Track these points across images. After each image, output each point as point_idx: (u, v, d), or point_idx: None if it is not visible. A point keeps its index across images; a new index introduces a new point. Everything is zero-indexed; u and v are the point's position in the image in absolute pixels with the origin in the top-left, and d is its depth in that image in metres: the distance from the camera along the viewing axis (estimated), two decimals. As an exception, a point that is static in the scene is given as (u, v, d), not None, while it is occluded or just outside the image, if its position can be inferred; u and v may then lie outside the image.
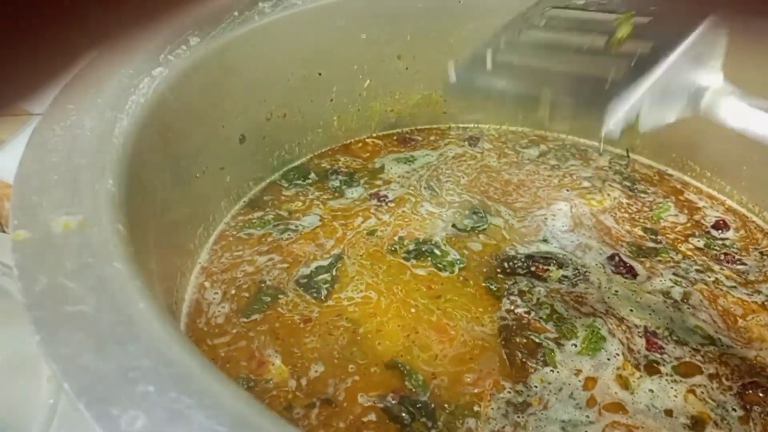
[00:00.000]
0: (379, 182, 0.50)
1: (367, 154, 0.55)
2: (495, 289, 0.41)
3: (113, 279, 0.21)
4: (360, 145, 0.56)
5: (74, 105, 0.30)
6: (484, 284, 0.42)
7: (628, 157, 0.56)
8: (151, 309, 0.20)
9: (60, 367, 0.18)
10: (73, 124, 0.28)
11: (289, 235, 0.44)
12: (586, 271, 0.43)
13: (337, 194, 0.49)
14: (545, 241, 0.46)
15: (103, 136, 0.28)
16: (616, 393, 0.35)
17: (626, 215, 0.49)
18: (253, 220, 0.46)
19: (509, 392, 0.35)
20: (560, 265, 0.43)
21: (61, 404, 0.44)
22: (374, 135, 0.57)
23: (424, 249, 0.44)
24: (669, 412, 0.34)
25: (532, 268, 0.43)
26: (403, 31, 0.52)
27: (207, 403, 0.17)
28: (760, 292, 0.43)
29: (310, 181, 0.50)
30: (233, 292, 0.40)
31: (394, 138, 0.57)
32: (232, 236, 0.44)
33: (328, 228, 0.45)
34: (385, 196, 0.49)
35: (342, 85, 0.52)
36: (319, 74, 0.50)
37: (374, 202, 0.48)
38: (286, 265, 0.42)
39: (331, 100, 0.52)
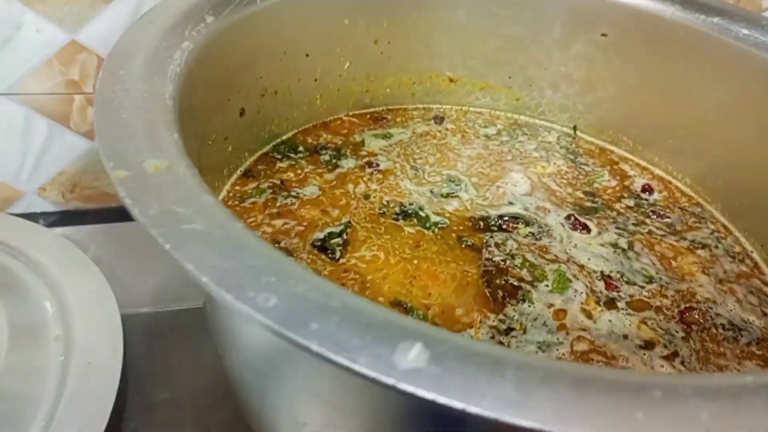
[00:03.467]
0: (364, 153, 0.56)
1: (345, 131, 0.60)
2: (474, 242, 0.47)
3: (210, 206, 0.25)
4: (338, 122, 0.61)
5: (125, 71, 0.33)
6: (464, 239, 0.48)
7: (575, 134, 0.64)
8: (247, 228, 0.25)
9: (194, 266, 0.22)
10: (131, 87, 0.32)
11: (292, 201, 0.49)
12: (549, 229, 0.50)
13: (330, 167, 0.54)
14: (511, 203, 0.53)
15: (158, 97, 0.32)
16: (582, 321, 0.42)
17: (565, 180, 0.57)
18: (250, 190, 0.50)
19: (494, 321, 0.41)
20: (527, 223, 0.50)
21: (73, 360, 0.47)
22: (350, 114, 0.62)
23: (409, 211, 0.50)
24: (625, 337, 0.42)
25: (504, 226, 0.50)
26: (381, 19, 0.57)
27: (317, 290, 0.22)
28: (685, 239, 0.51)
29: (300, 155, 0.55)
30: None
31: (368, 117, 0.63)
32: (236, 207, 0.48)
33: (329, 196, 0.50)
34: (377, 164, 0.54)
35: (325, 66, 0.57)
36: (307, 55, 0.54)
37: (368, 170, 0.53)
38: (301, 229, 0.46)
39: (316, 80, 0.57)
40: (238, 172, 0.52)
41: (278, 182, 0.51)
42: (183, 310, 0.56)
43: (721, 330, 0.43)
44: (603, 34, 0.58)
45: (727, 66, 0.52)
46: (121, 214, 0.74)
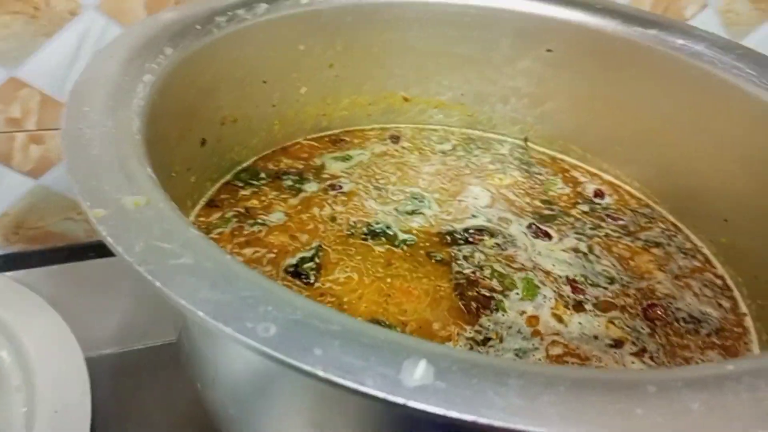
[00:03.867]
0: (326, 176, 0.56)
1: (306, 155, 0.60)
2: (443, 257, 0.48)
3: (196, 239, 0.25)
4: (297, 147, 0.61)
5: (89, 107, 0.33)
6: (433, 254, 0.49)
7: (526, 145, 0.66)
8: (238, 261, 0.25)
9: (187, 301, 0.22)
10: (97, 123, 0.31)
11: (259, 228, 0.49)
12: (513, 238, 0.52)
13: (294, 192, 0.53)
14: (474, 216, 0.54)
15: (126, 132, 0.32)
16: (554, 326, 0.44)
17: (522, 191, 0.59)
18: (215, 221, 0.50)
19: (471, 333, 0.42)
20: (491, 234, 0.52)
21: (38, 409, 0.45)
22: (308, 138, 0.62)
23: (376, 230, 0.50)
24: (596, 337, 0.43)
25: (470, 239, 0.51)
26: (335, 42, 0.58)
27: (315, 315, 0.22)
28: (639, 239, 0.54)
29: (263, 181, 0.55)
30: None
31: (326, 140, 0.63)
32: (202, 234, 0.48)
33: (296, 221, 0.50)
34: (340, 186, 0.54)
35: (283, 92, 0.57)
36: (264, 82, 0.54)
37: (332, 192, 0.54)
38: (273, 256, 0.46)
39: (273, 105, 0.57)
40: (202, 203, 0.51)
41: (243, 210, 0.51)
42: (149, 348, 0.55)
43: (682, 323, 0.46)
44: (548, 50, 0.61)
45: (666, 75, 0.55)
46: (69, 254, 0.72)
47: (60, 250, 0.73)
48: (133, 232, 0.25)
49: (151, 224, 0.25)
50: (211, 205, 0.51)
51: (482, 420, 0.19)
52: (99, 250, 0.73)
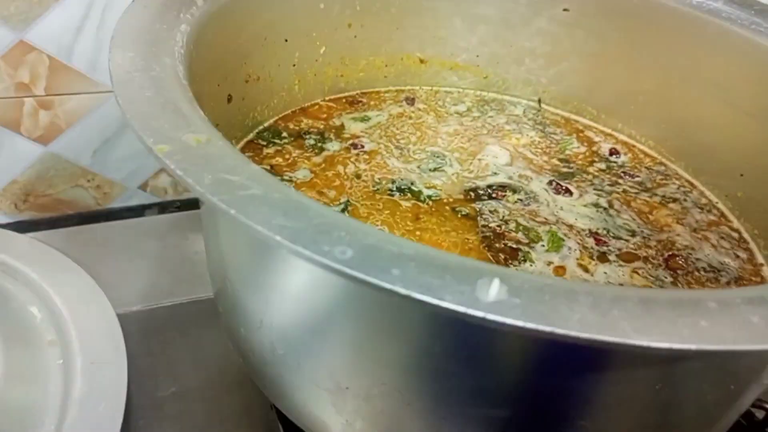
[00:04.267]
0: (347, 136, 0.57)
1: (324, 115, 0.60)
2: (469, 212, 0.49)
3: (260, 174, 0.26)
4: (316, 107, 0.61)
5: (133, 53, 0.33)
6: (459, 209, 0.49)
7: (540, 106, 0.67)
8: (303, 194, 0.25)
9: (264, 227, 0.22)
10: (146, 68, 0.32)
11: (287, 184, 0.49)
12: (535, 195, 0.53)
13: (317, 150, 0.54)
14: (495, 174, 0.55)
15: (173, 77, 0.32)
16: (580, 275, 0.45)
17: (539, 149, 0.60)
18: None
19: (502, 282, 0.43)
20: (514, 191, 0.52)
21: (74, 362, 0.46)
22: (327, 99, 0.62)
23: (402, 186, 0.51)
24: (621, 285, 0.44)
25: (493, 195, 0.52)
26: (354, 1, 0.58)
27: (388, 241, 0.23)
28: (656, 194, 0.55)
29: (286, 141, 0.55)
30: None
31: (344, 101, 0.63)
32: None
33: (322, 178, 0.50)
34: (362, 146, 0.55)
35: (303, 52, 0.57)
36: (286, 41, 0.54)
37: (354, 151, 0.54)
38: None
39: (294, 65, 0.57)
40: (227, 160, 0.51)
41: (268, 168, 0.51)
42: (176, 305, 0.55)
43: (703, 273, 0.47)
44: (565, 9, 0.61)
45: (683, 32, 0.56)
46: (80, 222, 0.72)
47: (70, 218, 0.73)
48: (200, 165, 0.25)
49: (215, 159, 0.26)
50: (236, 163, 0.52)
51: (559, 330, 0.20)
52: (110, 216, 0.73)
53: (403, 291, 0.21)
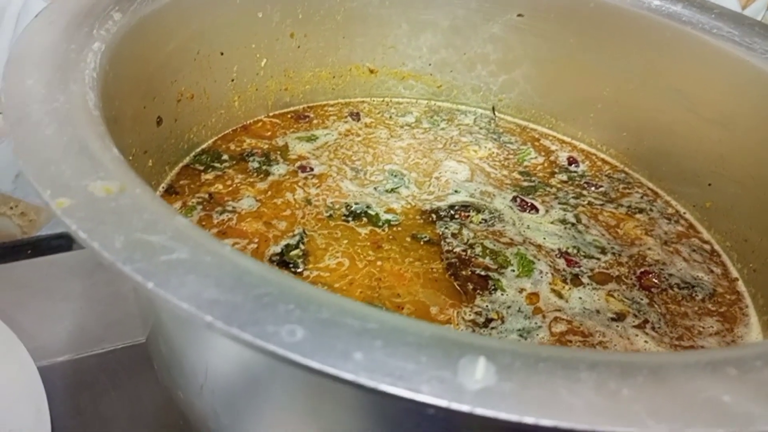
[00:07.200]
0: (294, 157, 0.52)
1: (269, 133, 0.56)
2: (431, 237, 0.45)
3: (187, 229, 0.21)
4: (259, 124, 0.56)
5: (33, 80, 0.28)
6: (420, 234, 0.45)
7: (494, 114, 0.64)
8: (241, 253, 0.21)
9: (192, 305, 0.18)
10: (48, 98, 0.26)
11: (229, 216, 0.44)
12: (500, 213, 0.49)
13: (262, 175, 0.49)
14: (456, 192, 0.51)
15: (81, 108, 0.27)
16: (555, 302, 0.42)
17: (498, 162, 0.57)
18: (178, 209, 0.45)
19: (470, 315, 0.39)
20: (477, 210, 0.49)
21: None
22: (270, 114, 0.58)
23: (357, 211, 0.47)
24: (597, 311, 0.42)
25: (456, 216, 0.48)
26: (295, 9, 0.53)
27: (346, 312, 0.19)
28: (621, 205, 0.53)
29: (227, 164, 0.50)
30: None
31: (289, 116, 0.59)
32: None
33: (270, 207, 0.46)
34: (311, 168, 0.50)
35: (241, 65, 0.52)
36: (221, 53, 0.49)
37: (302, 174, 0.49)
38: (254, 246, 0.42)
39: (232, 80, 0.52)
40: (161, 189, 0.46)
41: (206, 196, 0.46)
42: (108, 353, 0.50)
43: (677, 289, 0.44)
44: (519, 14, 0.58)
45: (641, 37, 0.54)
46: (3, 253, 0.65)
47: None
48: (110, 224, 0.20)
49: (130, 213, 0.21)
50: (171, 191, 0.46)
51: (564, 424, 0.16)
52: (37, 247, 0.66)
53: (368, 383, 0.17)
